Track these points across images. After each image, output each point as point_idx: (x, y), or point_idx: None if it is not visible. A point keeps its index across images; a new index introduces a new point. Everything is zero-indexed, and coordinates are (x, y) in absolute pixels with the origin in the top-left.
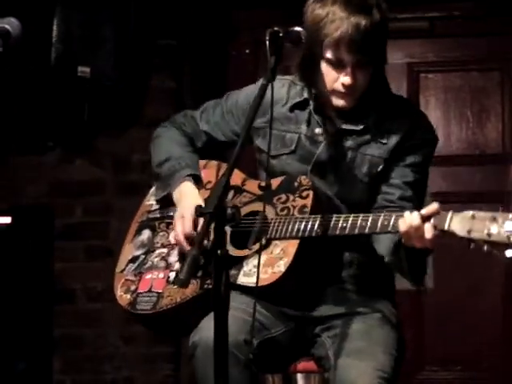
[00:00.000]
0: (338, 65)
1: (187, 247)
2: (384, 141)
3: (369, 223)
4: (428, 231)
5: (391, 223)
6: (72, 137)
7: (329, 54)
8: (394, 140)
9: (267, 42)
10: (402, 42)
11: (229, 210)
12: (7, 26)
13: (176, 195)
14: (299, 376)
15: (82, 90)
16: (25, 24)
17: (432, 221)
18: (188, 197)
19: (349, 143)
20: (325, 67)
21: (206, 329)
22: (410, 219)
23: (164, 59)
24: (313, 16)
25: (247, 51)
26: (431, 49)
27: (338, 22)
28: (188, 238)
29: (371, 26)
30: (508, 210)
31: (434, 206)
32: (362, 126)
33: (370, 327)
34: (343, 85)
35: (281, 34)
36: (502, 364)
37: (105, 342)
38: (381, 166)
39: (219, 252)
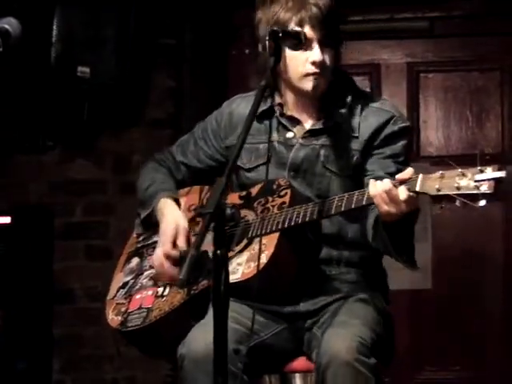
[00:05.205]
0: (303, 45)
1: (166, 265)
2: (356, 134)
3: (344, 202)
4: (402, 192)
5: (365, 197)
6: (72, 136)
7: None
8: (367, 132)
9: (266, 42)
10: (402, 42)
11: (228, 210)
12: (7, 26)
13: (157, 213)
14: (297, 375)
15: (81, 90)
16: (24, 24)
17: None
18: (168, 211)
19: (321, 141)
20: (291, 53)
21: (194, 340)
22: (381, 185)
23: (164, 58)
24: (269, 13)
25: (247, 51)
26: (431, 49)
27: (297, 5)
28: (168, 257)
29: (328, 4)
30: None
31: (408, 170)
32: (332, 124)
33: (353, 305)
34: (313, 63)
35: (280, 34)
36: (502, 364)
37: (105, 342)
38: (355, 157)
39: (219, 252)
